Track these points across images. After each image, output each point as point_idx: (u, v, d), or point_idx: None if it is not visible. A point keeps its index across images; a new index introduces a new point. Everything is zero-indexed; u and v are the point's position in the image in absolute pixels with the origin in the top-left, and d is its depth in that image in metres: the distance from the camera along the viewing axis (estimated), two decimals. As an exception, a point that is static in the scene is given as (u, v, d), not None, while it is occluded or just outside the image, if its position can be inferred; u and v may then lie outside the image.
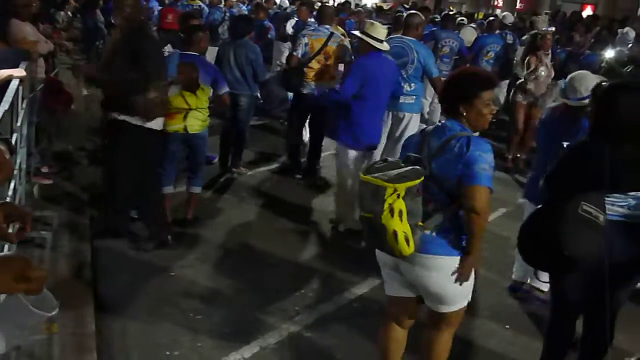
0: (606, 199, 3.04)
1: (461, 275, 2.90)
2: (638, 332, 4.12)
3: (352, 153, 5.42)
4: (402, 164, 2.88)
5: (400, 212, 2.71)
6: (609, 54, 8.31)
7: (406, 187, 2.74)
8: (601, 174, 3.01)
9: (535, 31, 8.52)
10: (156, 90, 4.47)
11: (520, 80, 7.67)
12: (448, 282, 2.92)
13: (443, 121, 3.05)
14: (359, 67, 5.36)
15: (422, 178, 2.80)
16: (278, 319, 4.08)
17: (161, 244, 4.88)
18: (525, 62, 7.69)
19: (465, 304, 3.06)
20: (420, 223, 2.82)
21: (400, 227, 2.72)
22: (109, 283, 4.32)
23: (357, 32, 5.66)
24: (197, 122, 5.15)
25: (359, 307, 4.36)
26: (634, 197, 3.13)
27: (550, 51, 8.02)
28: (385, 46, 5.42)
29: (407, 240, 2.74)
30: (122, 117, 4.49)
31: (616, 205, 3.10)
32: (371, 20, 6.42)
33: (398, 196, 2.71)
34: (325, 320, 4.14)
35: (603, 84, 3.24)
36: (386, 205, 2.70)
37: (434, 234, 2.88)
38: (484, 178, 2.77)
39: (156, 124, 4.62)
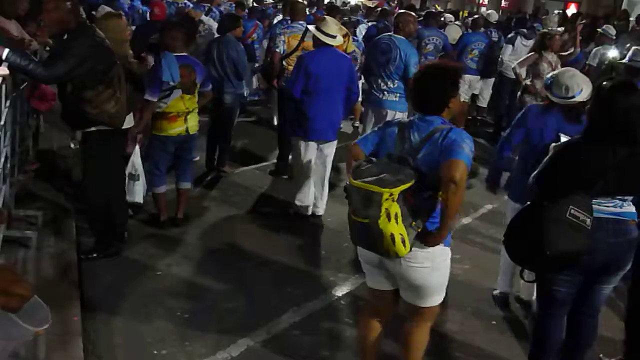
0: (595, 200, 3.08)
1: (428, 242, 2.92)
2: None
3: (306, 145, 5.60)
4: (389, 164, 2.87)
5: (396, 215, 2.73)
6: (612, 53, 8.34)
7: (401, 190, 2.73)
8: (592, 177, 3.05)
9: (545, 30, 8.51)
10: (112, 95, 4.23)
11: (525, 82, 7.55)
12: (431, 276, 3.00)
13: (423, 116, 3.00)
14: (302, 63, 5.46)
15: (414, 180, 2.79)
16: (266, 317, 4.08)
17: (111, 254, 4.67)
18: (526, 59, 7.67)
19: (440, 301, 3.17)
20: (413, 222, 2.83)
21: (397, 229, 2.73)
22: (95, 282, 4.30)
23: (311, 27, 5.72)
24: (195, 122, 5.24)
25: (345, 305, 4.37)
26: (621, 198, 3.17)
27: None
28: (336, 41, 5.49)
29: (403, 242, 2.76)
30: (88, 130, 4.37)
31: (603, 205, 3.13)
32: (324, 16, 6.42)
33: (393, 200, 2.71)
34: (313, 317, 4.16)
35: (604, 83, 3.20)
36: (383, 210, 2.70)
37: (419, 229, 2.89)
38: (463, 154, 2.79)
39: (128, 123, 4.52)
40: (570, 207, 2.96)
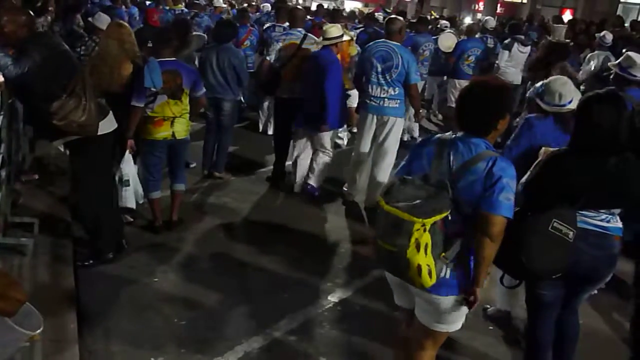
0: (580, 212, 3.10)
1: (470, 305, 2.82)
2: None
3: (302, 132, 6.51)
4: (425, 187, 2.68)
5: (426, 245, 2.59)
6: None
7: (434, 221, 2.59)
8: (577, 190, 3.06)
9: (554, 40, 8.50)
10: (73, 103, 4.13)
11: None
12: (455, 309, 2.86)
13: (466, 137, 2.79)
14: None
15: (449, 210, 2.65)
16: (262, 323, 4.08)
17: (107, 261, 4.68)
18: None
19: (457, 328, 2.99)
20: (443, 254, 2.70)
21: (424, 260, 2.60)
22: (91, 289, 4.29)
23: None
24: (183, 127, 5.22)
25: (342, 311, 4.37)
26: (607, 212, 3.18)
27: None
28: (325, 42, 6.16)
29: (429, 273, 2.63)
30: (71, 139, 4.34)
31: (589, 217, 3.16)
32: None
33: (425, 230, 2.57)
34: (309, 324, 4.16)
35: (589, 94, 3.22)
36: (412, 240, 2.56)
37: (447, 275, 2.75)
38: (505, 208, 2.65)
39: (107, 126, 4.44)
40: (554, 220, 2.95)
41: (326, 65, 6.06)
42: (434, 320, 2.93)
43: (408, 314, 3.13)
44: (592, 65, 8.46)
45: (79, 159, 4.49)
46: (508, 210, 2.66)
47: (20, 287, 1.35)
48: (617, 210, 3.23)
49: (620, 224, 3.24)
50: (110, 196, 4.78)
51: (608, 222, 3.19)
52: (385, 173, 6.25)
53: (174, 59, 5.19)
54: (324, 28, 6.43)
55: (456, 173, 2.72)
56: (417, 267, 2.60)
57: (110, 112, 4.52)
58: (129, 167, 5.07)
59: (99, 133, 4.35)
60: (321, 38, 6.25)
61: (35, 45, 4.10)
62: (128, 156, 5.06)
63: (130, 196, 5.12)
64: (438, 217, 2.60)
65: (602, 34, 9.20)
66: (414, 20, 11.21)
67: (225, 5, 12.85)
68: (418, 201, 2.59)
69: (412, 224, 2.56)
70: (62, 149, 5.73)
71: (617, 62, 4.97)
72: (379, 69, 6.04)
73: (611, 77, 5.06)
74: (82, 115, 4.14)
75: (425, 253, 2.59)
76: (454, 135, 2.84)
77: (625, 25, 13.17)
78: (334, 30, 6.25)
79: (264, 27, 9.60)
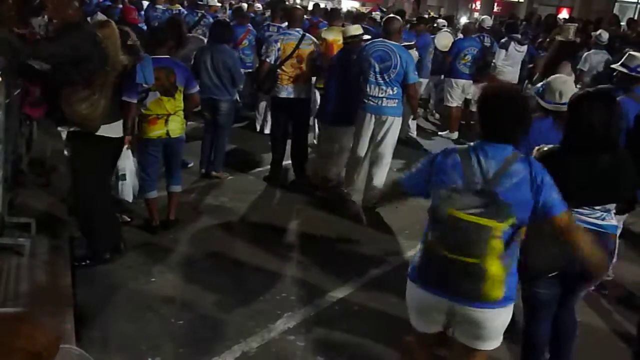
0: (575, 209, 3.10)
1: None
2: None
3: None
4: (477, 197, 2.58)
5: (499, 254, 2.53)
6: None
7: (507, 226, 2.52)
8: (571, 188, 3.05)
9: (563, 39, 8.51)
10: (92, 95, 4.19)
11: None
12: (500, 316, 2.72)
13: (490, 143, 2.68)
14: None
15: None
16: (260, 323, 4.08)
17: (104, 261, 4.67)
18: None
19: (498, 345, 2.84)
20: (510, 263, 2.63)
21: (499, 270, 2.54)
22: (88, 290, 4.28)
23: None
24: (177, 125, 5.20)
25: (339, 310, 4.37)
26: (602, 209, 3.19)
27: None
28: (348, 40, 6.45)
29: (500, 285, 2.57)
30: (73, 129, 4.35)
31: (585, 215, 3.16)
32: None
33: (498, 237, 2.52)
34: (307, 323, 4.15)
35: (581, 93, 3.24)
36: (490, 248, 2.48)
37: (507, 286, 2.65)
38: (561, 204, 2.65)
39: (113, 131, 4.47)
40: None
41: (351, 63, 6.24)
42: (482, 339, 2.76)
43: (435, 338, 2.95)
44: (588, 64, 8.48)
45: (79, 158, 4.48)
46: (565, 203, 2.67)
47: (44, 328, 1.28)
48: (612, 208, 3.24)
49: (615, 222, 3.26)
50: (108, 197, 4.78)
51: (603, 219, 3.21)
52: (382, 172, 6.26)
53: (167, 56, 5.19)
54: (346, 27, 6.67)
55: (493, 179, 2.60)
56: (493, 277, 2.53)
57: (122, 120, 4.54)
58: (126, 162, 5.03)
59: (102, 134, 4.36)
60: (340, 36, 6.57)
61: (76, 30, 4.14)
62: (126, 152, 5.03)
63: (128, 190, 5.08)
64: (510, 221, 2.53)
65: (598, 32, 9.21)
66: (415, 21, 11.23)
67: (219, 5, 12.79)
68: (484, 208, 2.51)
69: (490, 229, 2.50)
70: (69, 152, 5.74)
71: (620, 63, 4.89)
72: (377, 69, 6.03)
73: (614, 78, 5.00)
74: (87, 108, 4.16)
75: (499, 262, 2.54)
76: (473, 143, 2.72)
77: (622, 23, 13.20)
78: (353, 29, 6.50)
79: (259, 27, 9.60)
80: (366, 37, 6.61)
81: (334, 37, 7.69)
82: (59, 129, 4.82)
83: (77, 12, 4.23)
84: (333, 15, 8.42)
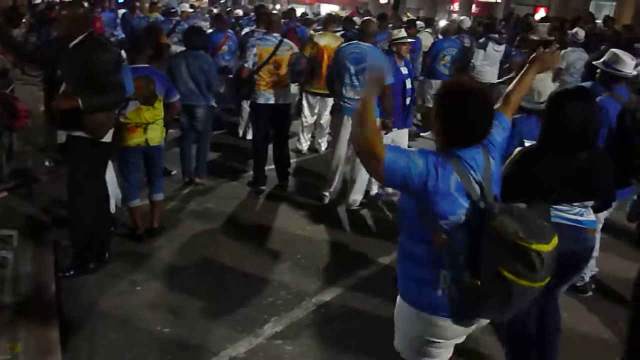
0: (554, 206, 3.14)
1: None
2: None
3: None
4: (524, 209, 2.44)
5: None
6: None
7: None
8: (549, 185, 3.10)
9: (537, 38, 8.58)
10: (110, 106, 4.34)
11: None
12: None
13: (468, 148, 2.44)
14: None
15: None
16: (247, 328, 4.09)
17: (89, 271, 4.66)
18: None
19: None
20: None
21: None
22: (73, 300, 4.26)
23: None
24: (157, 134, 5.20)
25: (326, 313, 4.39)
26: (580, 205, 3.24)
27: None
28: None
29: None
30: (76, 134, 4.37)
31: (563, 212, 3.21)
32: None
33: None
34: (294, 327, 4.16)
35: (558, 91, 3.28)
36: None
37: None
38: None
39: (108, 136, 4.50)
40: None
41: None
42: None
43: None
44: (565, 62, 8.58)
45: (79, 158, 4.46)
46: None
47: None
48: (590, 204, 3.29)
49: (594, 217, 3.31)
50: (106, 206, 4.80)
51: (582, 215, 3.26)
52: (363, 174, 6.28)
53: (146, 65, 5.19)
54: (393, 31, 6.64)
55: (490, 177, 2.49)
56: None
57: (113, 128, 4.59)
58: (107, 172, 5.01)
59: (104, 140, 4.40)
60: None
61: (102, 47, 4.40)
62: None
63: (110, 201, 5.08)
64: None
65: (574, 30, 9.32)
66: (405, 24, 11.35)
67: (191, 10, 12.77)
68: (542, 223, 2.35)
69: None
70: (50, 162, 5.70)
71: (601, 60, 4.90)
72: (353, 71, 6.06)
73: (597, 75, 5.01)
74: (107, 115, 4.32)
75: None
76: (458, 153, 2.40)
77: (598, 21, 13.36)
78: (396, 32, 6.56)
79: (243, 33, 9.58)
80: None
81: (327, 42, 7.73)
82: (58, 132, 4.76)
83: (81, 21, 4.35)
84: (329, 21, 8.44)
